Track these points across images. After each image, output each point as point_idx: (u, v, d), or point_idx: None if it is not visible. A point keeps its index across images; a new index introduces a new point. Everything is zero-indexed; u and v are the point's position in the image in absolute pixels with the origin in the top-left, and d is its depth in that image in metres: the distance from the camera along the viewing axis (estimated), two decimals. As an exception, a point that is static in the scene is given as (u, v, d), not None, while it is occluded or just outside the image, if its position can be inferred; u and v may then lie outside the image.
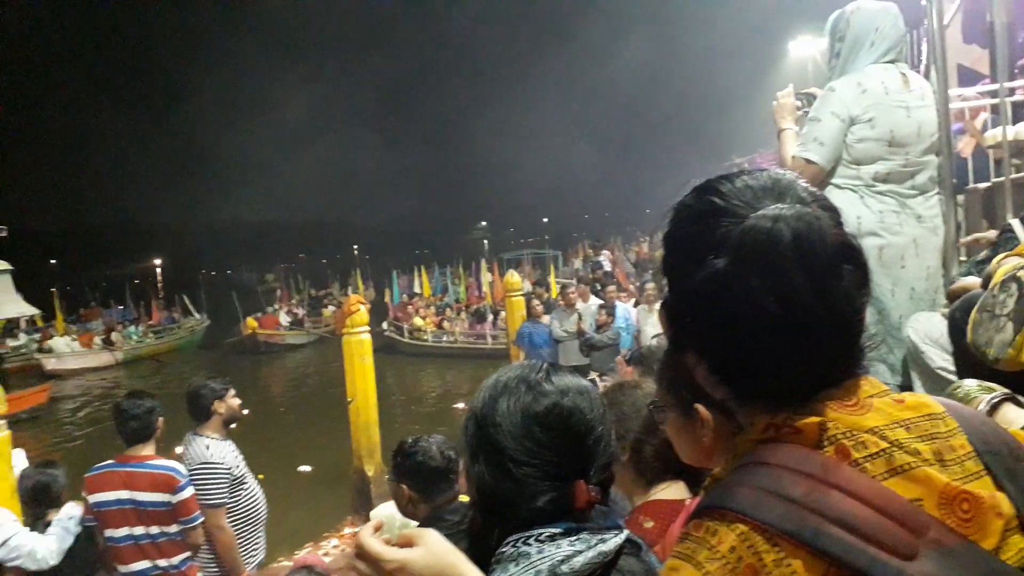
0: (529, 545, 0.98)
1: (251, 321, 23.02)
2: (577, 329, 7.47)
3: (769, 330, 0.69)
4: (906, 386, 2.19)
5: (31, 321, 22.07)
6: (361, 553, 0.91)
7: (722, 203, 0.73)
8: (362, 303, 7.19)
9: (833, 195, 2.35)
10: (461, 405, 10.96)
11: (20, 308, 3.86)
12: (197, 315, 28.09)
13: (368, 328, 7.16)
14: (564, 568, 0.95)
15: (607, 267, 18.50)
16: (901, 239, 2.34)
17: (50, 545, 3.30)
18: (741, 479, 0.68)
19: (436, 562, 0.90)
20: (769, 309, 0.68)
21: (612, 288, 8.74)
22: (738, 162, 19.31)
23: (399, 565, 0.89)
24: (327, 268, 39.30)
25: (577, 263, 26.91)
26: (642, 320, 7.37)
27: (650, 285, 7.57)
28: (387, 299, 23.93)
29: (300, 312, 26.46)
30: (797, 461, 0.67)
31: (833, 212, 0.74)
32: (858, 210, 2.32)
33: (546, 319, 8.06)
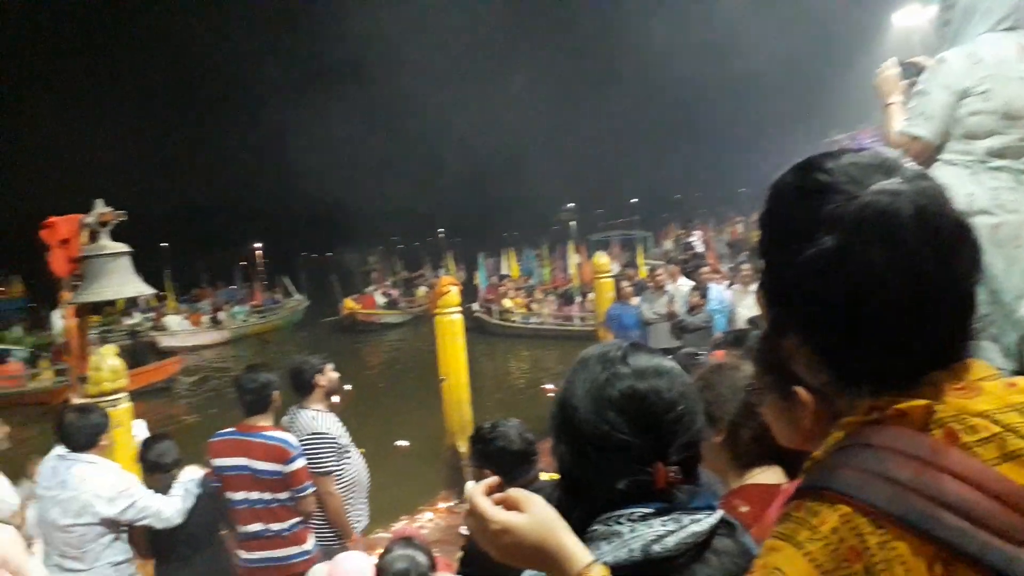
0: (621, 524, 1.00)
1: (349, 301, 23.82)
2: (668, 311, 7.37)
3: (890, 307, 0.67)
4: (1021, 370, 2.08)
5: (145, 301, 23.41)
6: (471, 509, 0.95)
7: (828, 180, 0.72)
8: (454, 284, 7.32)
9: (943, 171, 2.24)
10: (550, 386, 11.03)
11: (139, 288, 4.16)
12: (297, 296, 29.21)
13: (460, 309, 7.29)
14: (656, 548, 0.96)
15: (699, 248, 18.13)
16: (1018, 217, 2.21)
17: (175, 505, 3.57)
18: (844, 460, 0.68)
19: (538, 528, 0.92)
20: (893, 285, 0.67)
21: (706, 269, 8.58)
22: (838, 139, 18.49)
23: (502, 527, 0.93)
24: (420, 251, 40.06)
25: (668, 244, 26.46)
26: (736, 301, 7.21)
27: (746, 266, 7.39)
28: (476, 281, 24.22)
29: (394, 293, 27.11)
30: (904, 443, 0.66)
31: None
32: (970, 187, 2.20)
33: (635, 301, 7.99)
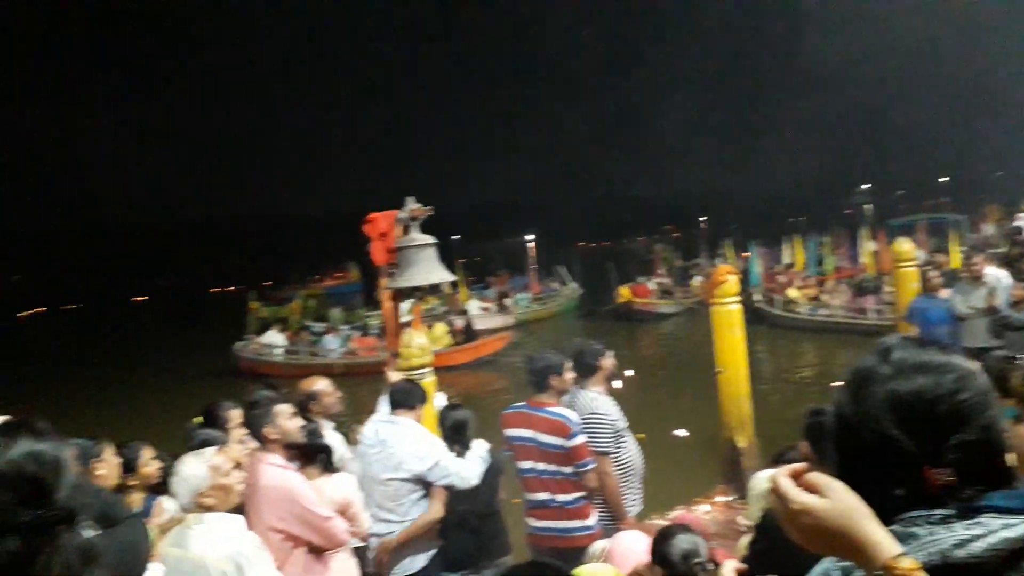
0: (918, 526, 0.94)
1: (624, 290, 24.12)
2: (987, 305, 6.47)
3: None
4: None
5: (444, 287, 25.78)
6: (774, 488, 0.97)
7: None
8: (732, 273, 7.10)
9: None
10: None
11: (443, 275, 4.68)
12: (572, 284, 30.22)
13: (738, 298, 7.05)
14: (959, 553, 0.89)
15: (1029, 233, 15.59)
16: None
17: (473, 468, 3.89)
18: None
19: (841, 514, 0.91)
20: None
21: (1034, 257, 7.38)
22: None
23: (803, 508, 0.93)
24: (697, 238, 39.36)
25: (989, 229, 23.07)
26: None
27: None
28: (758, 269, 23.14)
29: (669, 281, 26.93)
30: None
31: None
32: None
33: (945, 293, 7.11)
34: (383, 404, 4.14)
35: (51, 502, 1.56)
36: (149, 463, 3.65)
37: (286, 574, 2.94)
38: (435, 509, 3.88)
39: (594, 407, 3.94)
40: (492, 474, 4.09)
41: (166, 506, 3.36)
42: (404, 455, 3.84)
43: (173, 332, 37.67)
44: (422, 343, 4.95)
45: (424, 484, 3.88)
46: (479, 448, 4.05)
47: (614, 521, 3.92)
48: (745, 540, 3.17)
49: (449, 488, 3.88)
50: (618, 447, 3.96)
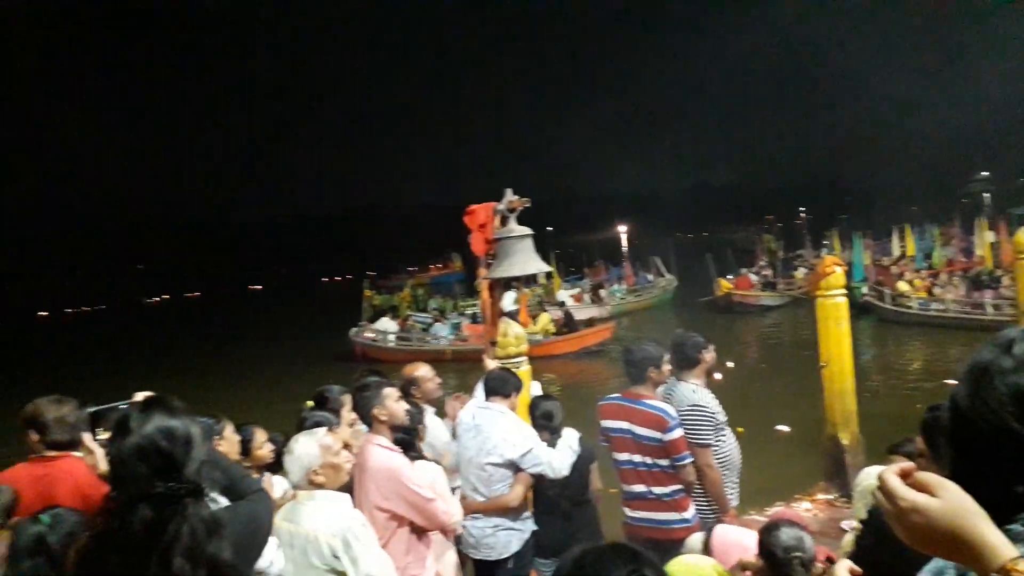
0: None
1: (724, 282, 23.58)
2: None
3: None
4: None
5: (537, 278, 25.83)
6: (882, 486, 0.95)
7: None
8: (839, 264, 6.84)
9: None
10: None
11: (540, 266, 4.71)
12: (668, 276, 29.73)
13: (844, 291, 6.80)
14: None
15: None
16: None
17: (564, 458, 3.93)
18: None
19: (953, 515, 0.88)
20: None
21: None
22: None
23: (912, 506, 0.90)
24: (802, 229, 37.95)
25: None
26: None
27: None
28: (866, 261, 22.11)
29: (769, 273, 26.14)
30: None
31: None
32: None
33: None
34: (479, 390, 4.23)
35: (181, 476, 1.71)
36: (263, 446, 3.88)
37: (389, 552, 3.04)
38: (515, 494, 3.94)
39: (695, 399, 3.89)
40: (583, 463, 4.12)
41: (276, 484, 3.57)
42: (497, 441, 3.92)
43: (287, 319, 39.55)
44: (519, 332, 5.01)
45: (517, 470, 3.95)
46: (570, 438, 4.08)
47: (714, 514, 3.88)
48: (849, 538, 3.09)
49: (539, 476, 3.94)
50: (717, 440, 3.91)
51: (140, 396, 1.94)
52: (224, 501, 2.37)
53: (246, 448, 3.76)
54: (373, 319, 21.99)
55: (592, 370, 16.59)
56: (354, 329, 21.42)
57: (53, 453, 3.29)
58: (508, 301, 20.71)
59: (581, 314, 23.74)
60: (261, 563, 2.33)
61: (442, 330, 20.36)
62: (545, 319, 19.49)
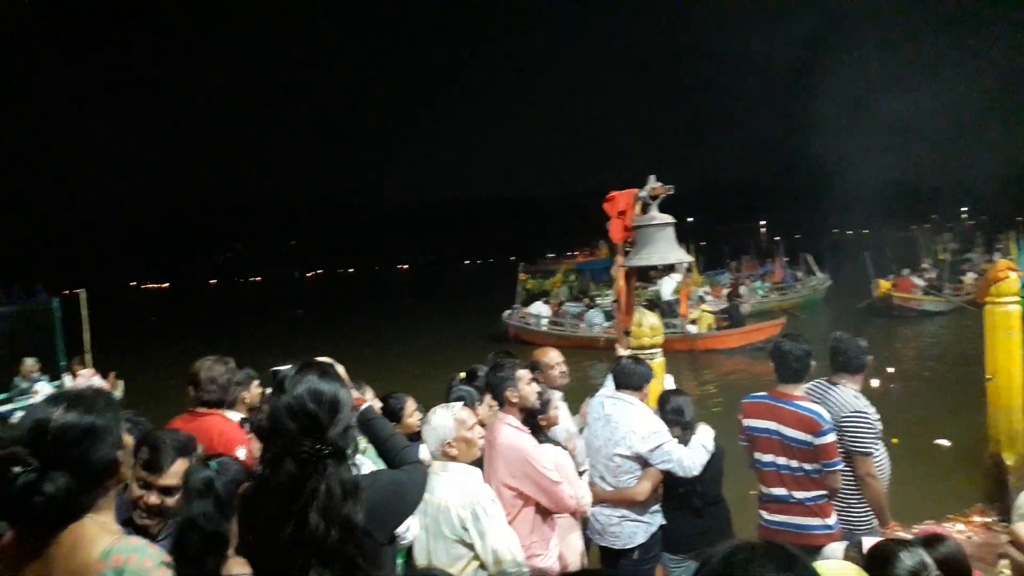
0: None
1: (884, 283, 22.00)
2: None
3: None
4: None
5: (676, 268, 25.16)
6: (1016, 541, 0.89)
7: None
8: (1012, 269, 6.25)
9: None
10: None
11: (680, 256, 4.55)
12: (819, 274, 28.17)
13: (1018, 299, 6.21)
14: None
15: None
16: None
17: (695, 457, 3.85)
18: None
19: None
20: None
21: None
22: None
23: None
24: (973, 230, 34.88)
25: None
26: None
27: None
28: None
29: (934, 276, 24.18)
30: None
31: None
32: None
33: None
34: (609, 380, 4.22)
35: (324, 437, 1.83)
36: (412, 414, 4.04)
37: (514, 529, 3.08)
38: (642, 488, 3.89)
39: (859, 406, 3.69)
40: (719, 462, 4.02)
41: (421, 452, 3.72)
42: (626, 432, 3.90)
43: (435, 298, 41.22)
44: (654, 323, 4.94)
45: (645, 464, 3.92)
46: (704, 436, 3.98)
47: (864, 525, 3.70)
48: (1005, 563, 2.84)
49: (668, 472, 3.89)
50: (876, 449, 3.70)
51: (323, 359, 2.08)
52: (368, 466, 2.51)
53: (397, 416, 3.95)
54: (527, 303, 22.32)
55: (756, 368, 15.92)
56: (507, 312, 21.80)
57: (202, 410, 3.60)
58: (668, 289, 20.46)
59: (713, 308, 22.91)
60: (399, 528, 2.44)
61: (596, 317, 20.07)
62: (708, 312, 18.86)
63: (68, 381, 11.97)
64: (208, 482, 2.22)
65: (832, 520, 3.63)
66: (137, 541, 1.59)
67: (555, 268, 26.65)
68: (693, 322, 18.18)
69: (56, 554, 1.52)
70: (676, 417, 4.04)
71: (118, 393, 12.04)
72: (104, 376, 12.12)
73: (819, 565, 2.27)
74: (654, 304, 20.33)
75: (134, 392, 12.43)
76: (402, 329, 27.33)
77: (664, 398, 4.20)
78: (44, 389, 10.99)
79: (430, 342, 22.64)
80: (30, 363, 12.17)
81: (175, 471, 2.35)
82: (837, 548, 2.90)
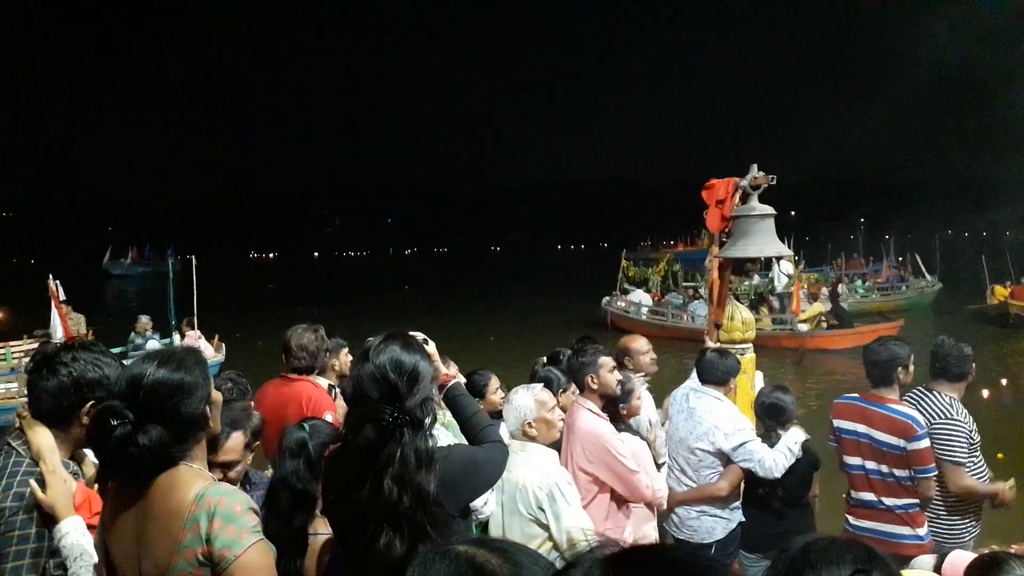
0: None
1: (1001, 289, 20.56)
2: None
3: None
4: None
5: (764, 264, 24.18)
6: None
7: None
8: None
9: None
10: None
11: (779, 249, 4.34)
12: (928, 277, 26.65)
13: None
14: None
15: None
16: None
17: (778, 459, 3.74)
18: None
19: None
20: None
21: None
22: None
23: None
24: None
25: None
26: None
27: None
28: None
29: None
30: None
31: None
32: None
33: None
34: (694, 373, 4.13)
35: (403, 406, 1.87)
36: (496, 391, 4.09)
37: (589, 515, 3.07)
38: (723, 485, 3.82)
39: (952, 413, 3.51)
40: (806, 466, 3.88)
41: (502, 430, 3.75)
42: (709, 428, 3.84)
43: (530, 280, 41.58)
44: (747, 318, 4.79)
45: (725, 459, 3.84)
46: (792, 438, 3.84)
47: (956, 538, 3.52)
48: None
49: (749, 471, 3.80)
50: (969, 461, 3.50)
51: (420, 336, 2.13)
52: (446, 439, 2.55)
53: (480, 392, 4.00)
54: (626, 291, 22.10)
55: (862, 371, 15.19)
56: (607, 298, 21.52)
57: (294, 375, 3.76)
58: (781, 282, 19.57)
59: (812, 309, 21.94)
60: (476, 503, 2.47)
61: (700, 308, 19.46)
62: (817, 309, 18.01)
63: (176, 340, 12.72)
64: (302, 443, 2.32)
65: (923, 531, 3.46)
66: (227, 487, 1.69)
67: (657, 256, 26.17)
68: (804, 320, 17.43)
69: (154, 497, 1.64)
70: (768, 417, 3.94)
71: (220, 356, 12.71)
72: (209, 339, 12.82)
73: (908, 574, 2.16)
74: (763, 298, 19.69)
75: (238, 355, 13.09)
76: (499, 310, 27.59)
77: (763, 394, 4.09)
78: (154, 347, 11.70)
79: (527, 324, 22.63)
80: (144, 321, 13.02)
81: (231, 447, 2.47)
82: (927, 560, 2.77)
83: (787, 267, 19.50)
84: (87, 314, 13.04)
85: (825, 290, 23.84)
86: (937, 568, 2.57)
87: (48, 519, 1.95)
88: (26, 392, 2.18)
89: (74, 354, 2.07)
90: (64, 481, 2.00)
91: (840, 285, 24.20)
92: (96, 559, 1.87)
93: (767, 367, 13.90)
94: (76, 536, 1.95)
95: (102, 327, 13.58)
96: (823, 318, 17.87)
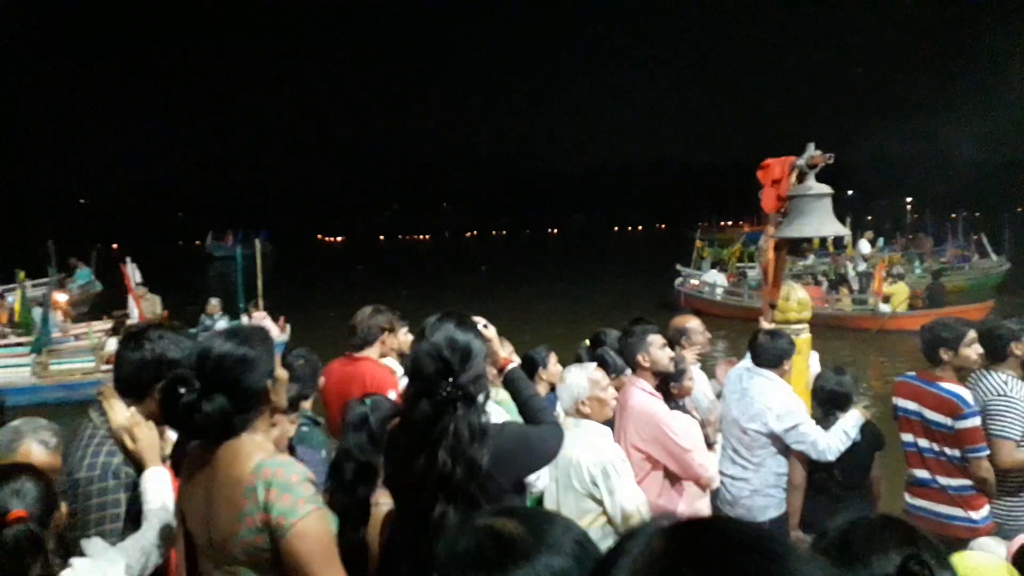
0: None
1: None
2: None
3: None
4: None
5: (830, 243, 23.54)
6: None
7: None
8: None
9: None
10: None
11: (836, 229, 4.26)
12: (994, 257, 25.53)
13: None
14: None
15: None
16: None
17: (832, 443, 3.67)
18: None
19: None
20: None
21: None
22: None
23: None
24: None
25: None
26: None
27: None
28: None
29: None
30: None
31: None
32: None
33: None
34: (749, 353, 4.13)
35: (457, 382, 1.97)
36: (554, 366, 4.17)
37: (643, 491, 3.10)
38: (797, 473, 3.81)
39: (1004, 390, 3.48)
40: (865, 449, 3.83)
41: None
42: (762, 409, 3.82)
43: (590, 261, 41.48)
44: (802, 298, 4.72)
45: (778, 440, 3.83)
46: (848, 421, 3.76)
47: (1016, 519, 3.47)
48: None
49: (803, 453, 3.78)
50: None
51: (480, 321, 2.23)
52: (496, 416, 2.65)
53: (537, 367, 4.10)
54: (699, 271, 21.67)
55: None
56: (679, 279, 21.11)
57: (357, 354, 3.92)
58: (858, 263, 18.69)
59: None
60: (530, 477, 2.55)
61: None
62: (903, 290, 17.36)
63: (244, 321, 13.19)
64: (363, 417, 2.44)
65: (979, 515, 3.42)
66: (285, 458, 1.81)
67: (730, 236, 25.56)
68: (887, 299, 16.81)
69: (219, 465, 1.78)
70: (829, 398, 3.89)
71: (284, 335, 13.12)
72: (275, 320, 13.25)
73: (964, 555, 2.17)
74: (843, 278, 19.16)
75: (306, 334, 13.44)
76: (568, 291, 27.26)
77: (823, 376, 4.05)
78: (222, 327, 12.16)
79: (599, 305, 22.26)
80: (214, 303, 13.55)
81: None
82: (987, 542, 2.73)
83: (865, 247, 18.88)
84: (192, 294, 13.39)
85: (918, 269, 22.83)
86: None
87: (137, 466, 2.10)
88: (105, 367, 2.34)
89: (161, 333, 2.23)
90: (151, 430, 2.15)
91: (896, 266, 23.37)
92: (172, 517, 2.02)
93: (846, 349, 13.54)
94: (160, 484, 2.09)
95: (197, 307, 14.15)
96: (912, 298, 17.17)
